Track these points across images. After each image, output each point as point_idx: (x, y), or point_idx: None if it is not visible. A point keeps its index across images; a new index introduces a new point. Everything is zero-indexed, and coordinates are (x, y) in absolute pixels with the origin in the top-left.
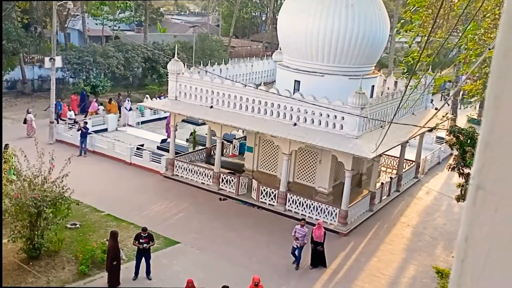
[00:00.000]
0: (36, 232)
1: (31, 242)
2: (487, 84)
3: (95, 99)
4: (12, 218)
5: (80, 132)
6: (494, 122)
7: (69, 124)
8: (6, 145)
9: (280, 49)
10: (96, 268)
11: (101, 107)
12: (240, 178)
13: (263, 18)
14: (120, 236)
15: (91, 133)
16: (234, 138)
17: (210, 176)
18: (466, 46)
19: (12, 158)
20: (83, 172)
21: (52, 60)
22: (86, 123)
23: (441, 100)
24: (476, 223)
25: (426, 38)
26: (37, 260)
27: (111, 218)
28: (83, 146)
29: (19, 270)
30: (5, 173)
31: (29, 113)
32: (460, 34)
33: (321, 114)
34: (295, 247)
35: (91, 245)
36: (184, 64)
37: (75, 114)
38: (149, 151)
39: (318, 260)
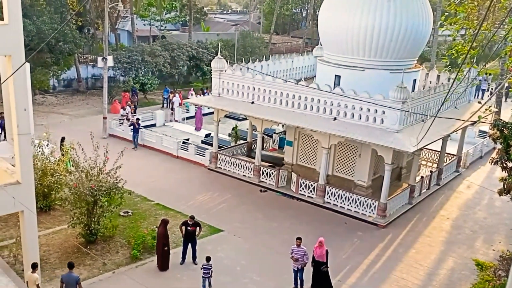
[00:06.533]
0: (93, 219)
1: (88, 227)
2: None
3: (178, 92)
4: (71, 206)
5: (132, 127)
6: None
7: (119, 120)
8: (63, 138)
9: (321, 44)
10: (146, 252)
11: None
12: (280, 171)
13: (304, 15)
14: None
15: (141, 128)
16: (274, 133)
17: (251, 169)
18: None
19: (70, 150)
20: (134, 164)
21: (104, 60)
22: (138, 119)
23: (475, 95)
24: None
25: (472, 31)
26: (94, 244)
27: (160, 207)
28: (135, 140)
29: (79, 252)
30: (64, 164)
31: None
32: (507, 27)
33: (361, 109)
34: (296, 269)
35: (142, 232)
36: (226, 62)
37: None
38: (194, 145)
39: (322, 283)
